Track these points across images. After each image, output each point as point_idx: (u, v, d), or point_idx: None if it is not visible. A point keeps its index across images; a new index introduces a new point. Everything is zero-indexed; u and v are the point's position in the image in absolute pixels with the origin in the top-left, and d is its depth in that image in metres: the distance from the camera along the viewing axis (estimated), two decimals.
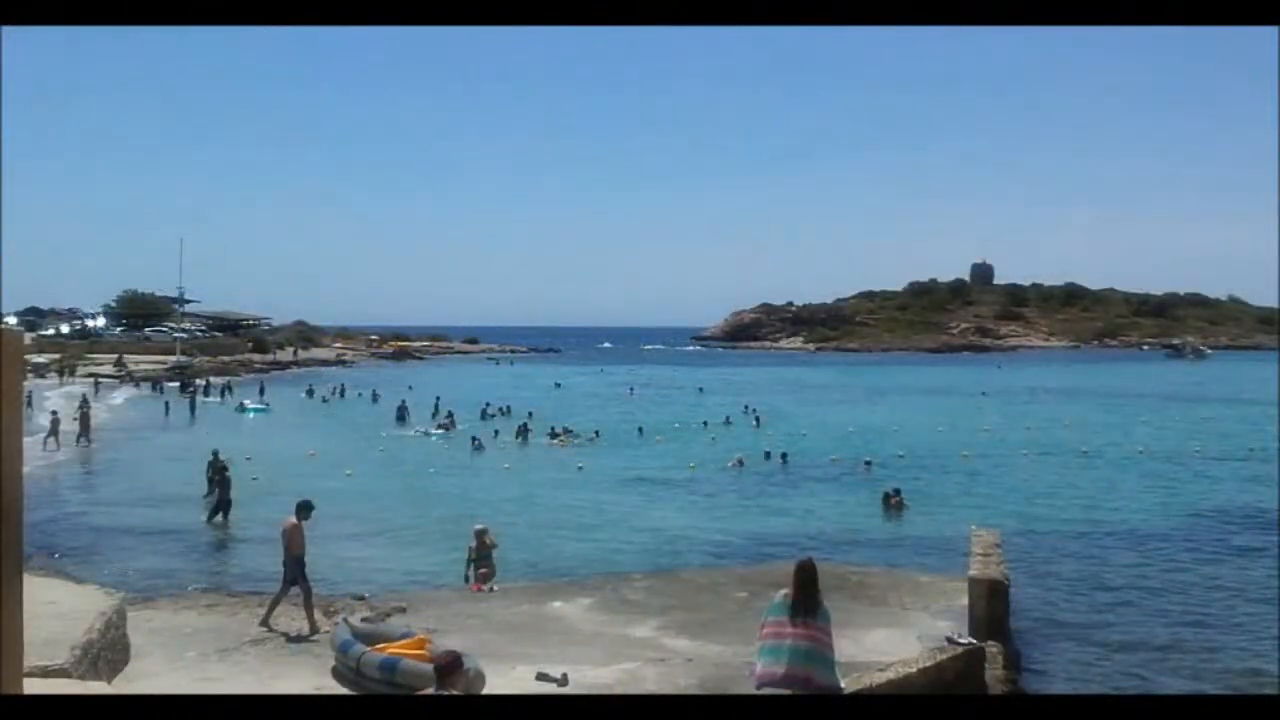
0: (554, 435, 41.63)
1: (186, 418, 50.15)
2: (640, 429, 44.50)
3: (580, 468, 33.73)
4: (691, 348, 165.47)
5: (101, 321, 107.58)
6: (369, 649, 11.06)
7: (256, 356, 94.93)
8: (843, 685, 8.59)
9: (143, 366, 77.41)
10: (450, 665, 7.31)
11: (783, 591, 8.48)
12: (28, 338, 52.98)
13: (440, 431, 44.10)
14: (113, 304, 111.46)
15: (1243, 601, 17.85)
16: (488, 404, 52.04)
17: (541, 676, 10.99)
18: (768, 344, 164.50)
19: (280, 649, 12.64)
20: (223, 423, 47.67)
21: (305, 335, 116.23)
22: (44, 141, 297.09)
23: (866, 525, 24.76)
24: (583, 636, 13.09)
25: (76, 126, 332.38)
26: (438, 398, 55.21)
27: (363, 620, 12.71)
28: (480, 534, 16.59)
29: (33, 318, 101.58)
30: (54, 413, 38.92)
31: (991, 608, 12.71)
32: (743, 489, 30.13)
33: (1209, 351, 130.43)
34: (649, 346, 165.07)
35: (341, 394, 64.00)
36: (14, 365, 6.50)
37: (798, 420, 50.02)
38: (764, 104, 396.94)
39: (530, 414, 47.68)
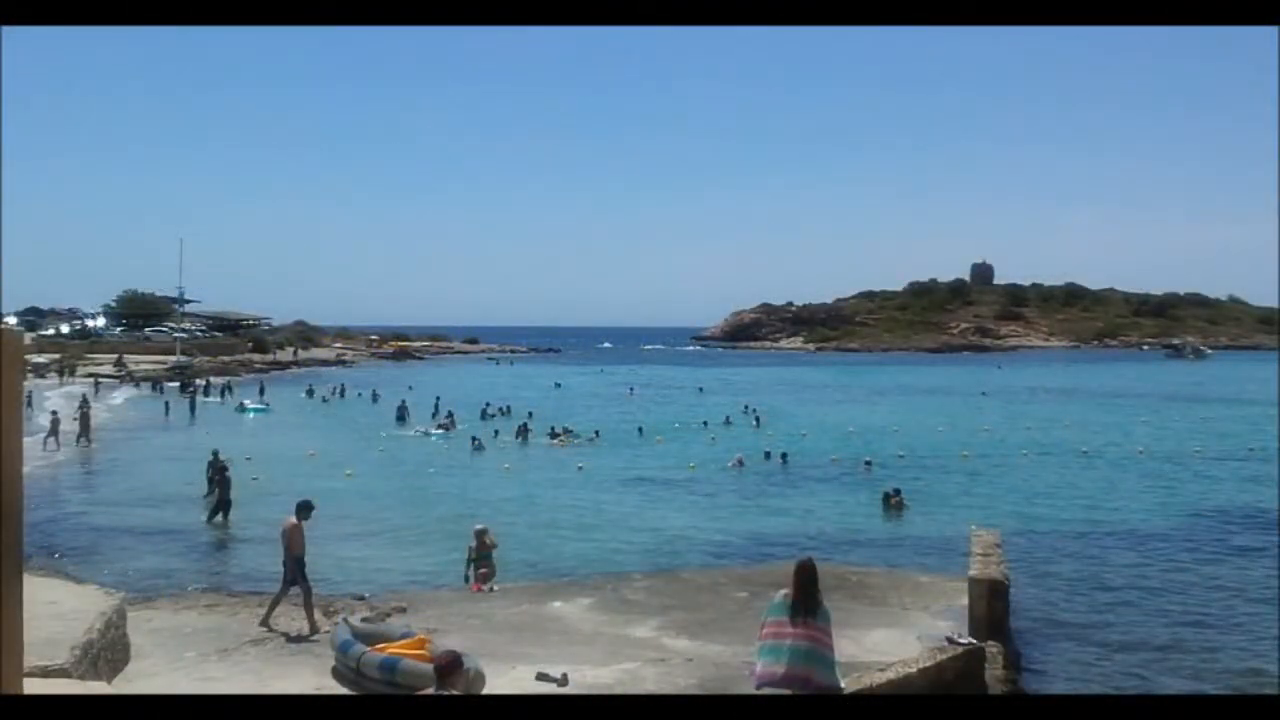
0: (554, 435, 41.62)
1: (186, 418, 50.13)
2: (640, 429, 44.49)
3: (580, 468, 33.71)
4: (691, 348, 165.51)
5: (101, 321, 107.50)
6: (369, 649, 11.06)
7: (256, 356, 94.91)
8: (843, 685, 8.60)
9: (143, 366, 77.39)
10: (450, 665, 7.32)
11: (783, 591, 8.49)
12: (28, 338, 53.00)
13: (440, 431, 44.08)
14: (113, 304, 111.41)
15: (1243, 601, 17.83)
16: (488, 404, 52.05)
17: (541, 676, 10.99)
18: (768, 344, 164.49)
19: (280, 649, 12.64)
20: (223, 423, 47.67)
21: (305, 335, 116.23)
22: (44, 141, 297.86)
23: (866, 525, 24.74)
24: (583, 636, 13.08)
25: (76, 126, 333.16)
26: (438, 398, 55.22)
27: (363, 620, 12.71)
28: (480, 534, 16.59)
29: (33, 318, 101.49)
30: (54, 413, 38.91)
31: (991, 608, 12.71)
32: (743, 489, 30.11)
33: (1209, 351, 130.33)
34: (649, 346, 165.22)
35: (341, 394, 63.99)
36: (14, 365, 6.50)
37: (798, 420, 50.02)
38: (764, 104, 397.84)
39: (530, 414, 47.68)
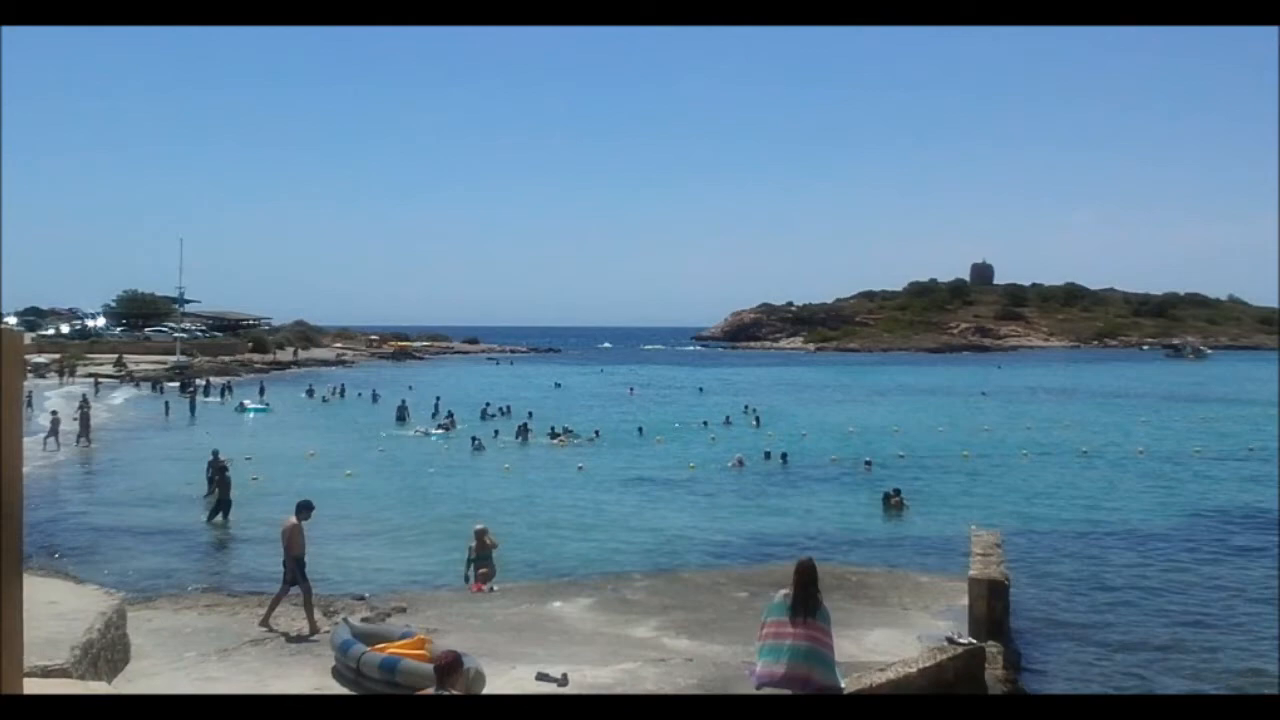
0: (554, 435, 41.61)
1: (186, 418, 50.07)
2: (640, 429, 44.47)
3: (580, 468, 33.70)
4: (691, 348, 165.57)
5: (101, 321, 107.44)
6: (369, 649, 11.06)
7: (256, 356, 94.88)
8: (843, 685, 8.60)
9: (143, 366, 77.37)
10: (450, 665, 7.32)
11: (782, 591, 8.49)
12: (28, 338, 53.01)
13: (440, 431, 44.07)
14: (113, 304, 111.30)
15: (1243, 601, 17.84)
16: (488, 404, 52.04)
17: (541, 676, 10.99)
18: (768, 344, 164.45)
19: (280, 649, 12.64)
20: (223, 423, 47.65)
21: (305, 335, 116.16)
22: (44, 141, 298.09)
23: (866, 525, 24.74)
24: (583, 636, 13.09)
25: (76, 126, 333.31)
26: (438, 398, 55.24)
27: (363, 620, 12.72)
28: (480, 534, 16.61)
29: (33, 318, 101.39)
30: (54, 413, 38.88)
31: (991, 608, 12.72)
32: (743, 489, 30.10)
33: (1209, 351, 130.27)
34: (649, 346, 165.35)
35: (341, 394, 63.99)
36: (14, 365, 6.50)
37: (798, 420, 50.00)
38: (764, 104, 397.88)
39: (530, 414, 47.67)
